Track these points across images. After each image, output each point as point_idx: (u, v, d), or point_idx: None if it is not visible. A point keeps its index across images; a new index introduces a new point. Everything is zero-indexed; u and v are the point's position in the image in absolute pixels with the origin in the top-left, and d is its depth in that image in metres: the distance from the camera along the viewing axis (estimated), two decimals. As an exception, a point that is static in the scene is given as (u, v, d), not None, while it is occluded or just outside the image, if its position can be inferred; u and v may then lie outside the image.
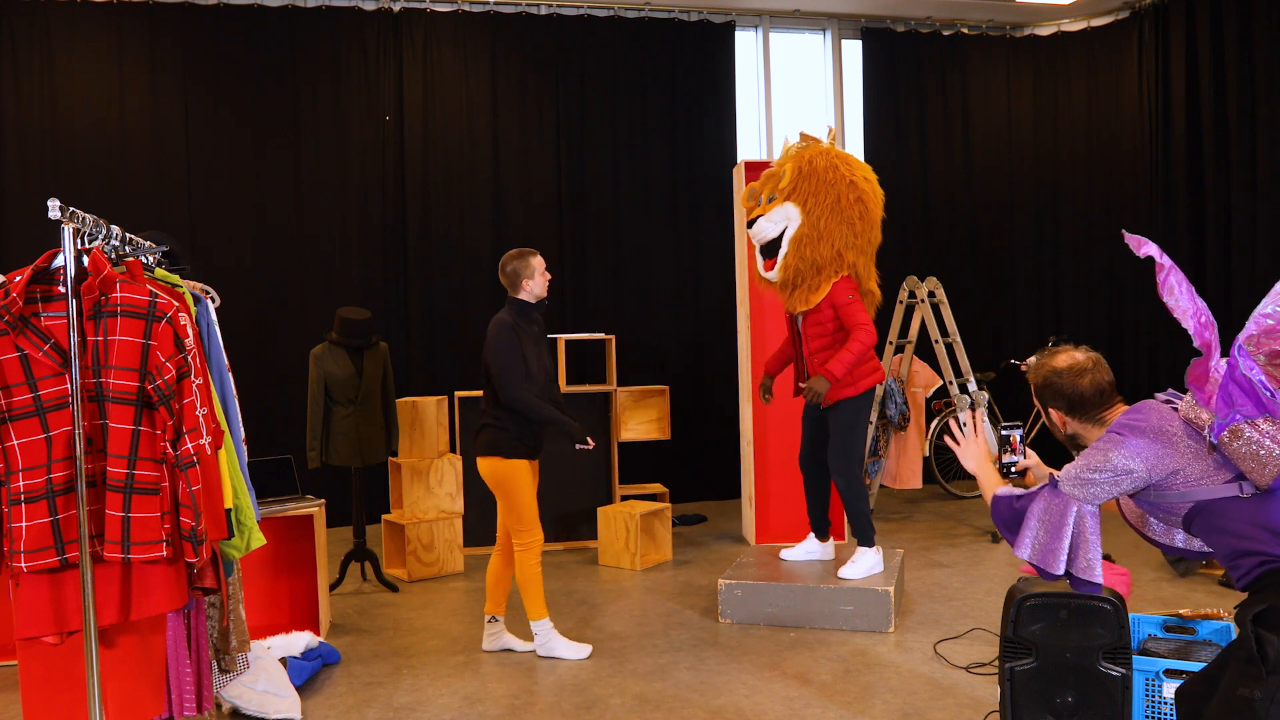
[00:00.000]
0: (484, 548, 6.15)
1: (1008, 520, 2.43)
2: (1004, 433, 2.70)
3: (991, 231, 8.32)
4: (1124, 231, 2.45)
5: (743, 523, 6.63)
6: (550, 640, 4.28)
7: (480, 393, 5.75)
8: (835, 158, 4.75)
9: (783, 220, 4.73)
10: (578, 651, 4.28)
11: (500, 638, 4.40)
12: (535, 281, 4.20)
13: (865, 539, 4.76)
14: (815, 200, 4.68)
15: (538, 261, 4.22)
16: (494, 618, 4.39)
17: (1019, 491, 2.45)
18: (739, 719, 3.64)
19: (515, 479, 4.13)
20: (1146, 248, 2.33)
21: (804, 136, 4.93)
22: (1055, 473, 2.45)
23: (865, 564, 4.72)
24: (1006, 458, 2.70)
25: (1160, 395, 2.41)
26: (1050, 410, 2.51)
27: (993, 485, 2.56)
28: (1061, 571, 2.30)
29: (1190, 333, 2.30)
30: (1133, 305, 8.03)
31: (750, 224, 4.87)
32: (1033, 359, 2.60)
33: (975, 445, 2.64)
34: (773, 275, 4.83)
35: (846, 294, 4.63)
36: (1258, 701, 2.07)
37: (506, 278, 4.22)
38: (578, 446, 4.17)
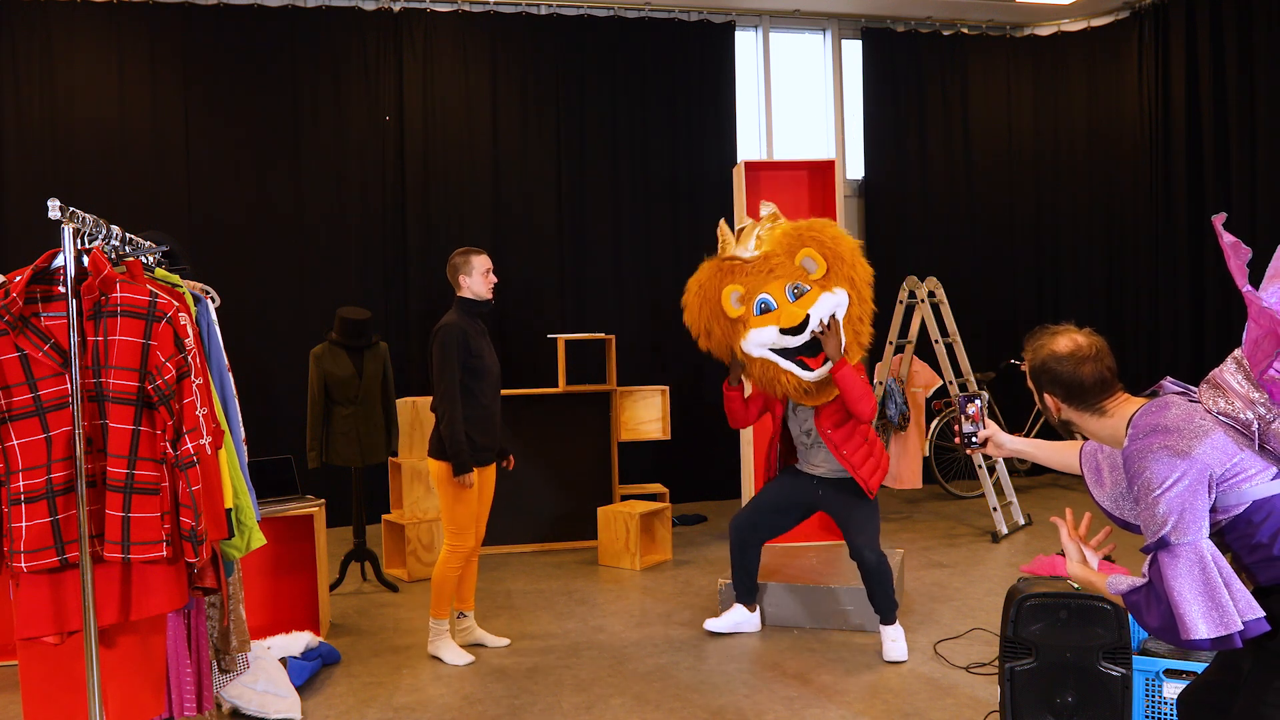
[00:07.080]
0: (483, 548, 6.14)
1: (1158, 617, 2.08)
2: (962, 401, 2.58)
3: (991, 231, 8.32)
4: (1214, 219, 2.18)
5: (743, 523, 6.63)
6: (439, 641, 4.29)
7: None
8: (844, 236, 4.33)
9: (832, 308, 4.27)
10: (459, 657, 4.24)
11: (471, 633, 4.45)
12: (474, 280, 4.16)
13: (892, 614, 4.23)
14: (856, 280, 4.30)
15: (479, 261, 4.17)
16: (462, 613, 4.45)
17: (1135, 581, 2.14)
18: (739, 719, 3.64)
19: (460, 486, 4.13)
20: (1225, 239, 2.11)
21: (761, 219, 4.51)
22: (1104, 562, 2.19)
23: (901, 638, 4.21)
24: (967, 427, 2.58)
25: (1168, 385, 2.24)
26: (1045, 395, 2.33)
27: (1101, 580, 2.26)
28: (1241, 625, 1.96)
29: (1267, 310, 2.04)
30: (1133, 304, 8.03)
31: (795, 330, 4.23)
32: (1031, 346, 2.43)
33: (1072, 548, 2.41)
34: (824, 371, 4.28)
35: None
36: None
37: (449, 272, 4.21)
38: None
